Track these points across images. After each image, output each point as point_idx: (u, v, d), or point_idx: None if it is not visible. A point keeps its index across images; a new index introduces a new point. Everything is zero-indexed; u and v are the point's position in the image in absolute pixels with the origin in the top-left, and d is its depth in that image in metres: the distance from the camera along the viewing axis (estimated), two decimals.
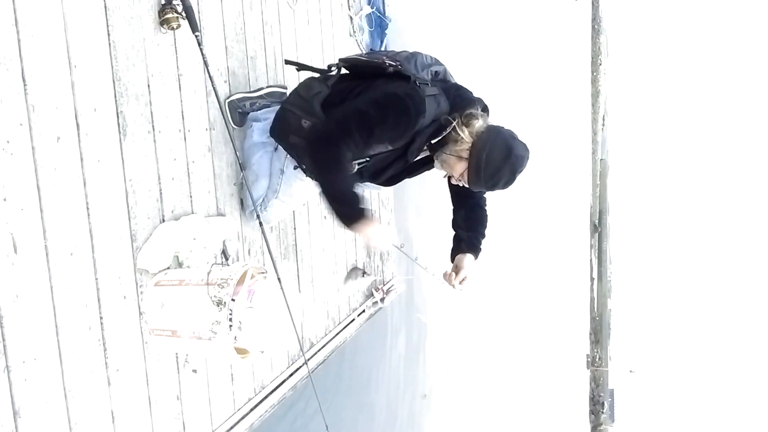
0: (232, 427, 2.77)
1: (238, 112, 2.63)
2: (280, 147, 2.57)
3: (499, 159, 2.21)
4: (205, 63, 2.28)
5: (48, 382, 1.86)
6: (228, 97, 2.61)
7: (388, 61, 2.30)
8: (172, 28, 2.27)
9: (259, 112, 2.60)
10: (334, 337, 3.75)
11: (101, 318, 2.04)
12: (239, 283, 2.12)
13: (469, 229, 2.61)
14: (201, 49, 2.26)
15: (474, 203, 2.64)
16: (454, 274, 2.53)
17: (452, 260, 2.59)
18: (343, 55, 2.56)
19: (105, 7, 2.03)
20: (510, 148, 2.22)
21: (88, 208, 1.98)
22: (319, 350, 3.59)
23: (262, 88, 2.73)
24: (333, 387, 5.00)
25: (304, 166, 2.52)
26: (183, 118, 2.39)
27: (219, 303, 2.08)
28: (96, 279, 2.02)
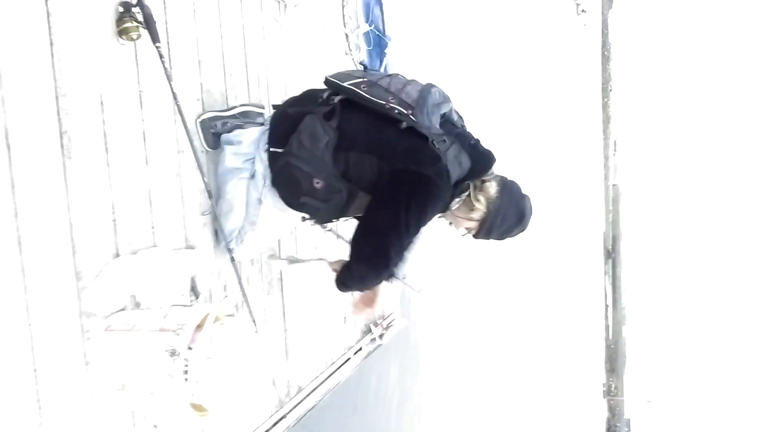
0: None
1: (212, 133, 2.35)
2: (257, 173, 2.28)
3: (511, 223, 2.22)
4: (168, 77, 2.02)
5: None
6: (199, 117, 2.34)
7: (396, 107, 2.05)
8: (132, 39, 2.02)
9: (231, 134, 2.32)
10: (326, 379, 3.43)
11: (35, 370, 1.75)
12: (198, 330, 1.84)
13: None
14: (163, 62, 2.00)
15: None
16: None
17: None
18: (331, 74, 2.26)
19: (47, 13, 1.78)
20: (522, 213, 2.23)
21: (19, 243, 1.70)
22: (309, 395, 3.27)
23: (235, 107, 2.46)
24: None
25: (315, 221, 2.36)
26: (144, 139, 2.13)
27: (173, 353, 1.78)
28: (29, 324, 1.73)
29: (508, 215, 2.19)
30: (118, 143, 2.01)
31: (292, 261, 2.91)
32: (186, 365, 1.77)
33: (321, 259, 2.53)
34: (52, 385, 1.80)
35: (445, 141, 2.05)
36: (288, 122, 2.19)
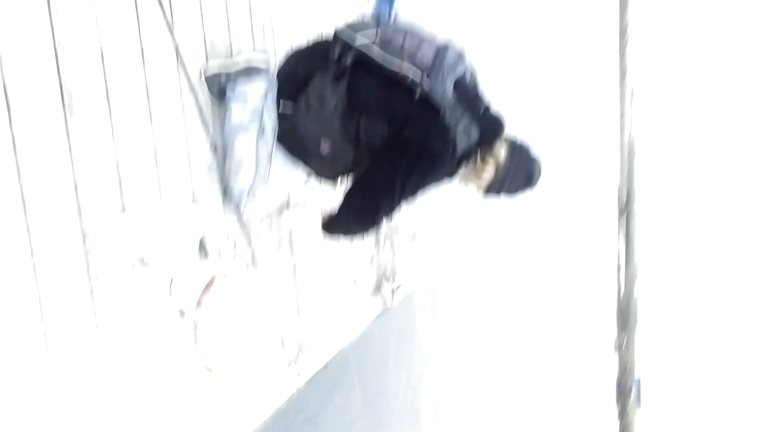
0: None
1: (216, 87, 2.28)
2: (266, 129, 2.21)
3: (519, 185, 2.24)
4: (170, 30, 1.95)
5: None
6: (203, 70, 2.26)
7: (408, 75, 1.99)
8: None
9: (236, 89, 2.25)
10: (336, 339, 3.43)
11: (44, 333, 1.72)
12: (206, 290, 1.80)
13: None
14: (164, 14, 1.93)
15: None
16: None
17: None
18: (342, 27, 2.15)
19: None
20: (531, 176, 2.24)
21: (24, 203, 1.65)
22: (318, 355, 3.26)
23: (238, 61, 2.36)
24: (335, 393, 4.71)
25: (320, 179, 2.32)
26: (148, 94, 2.06)
27: (182, 314, 1.76)
28: (37, 288, 1.70)
29: (516, 177, 2.20)
30: (120, 99, 1.94)
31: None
32: (195, 325, 1.74)
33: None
34: (63, 349, 1.78)
35: (456, 112, 2.01)
36: (296, 81, 2.12)
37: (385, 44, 2.03)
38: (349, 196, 2.17)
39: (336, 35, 2.12)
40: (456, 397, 11.59)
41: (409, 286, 4.29)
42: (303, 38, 2.87)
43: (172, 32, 1.93)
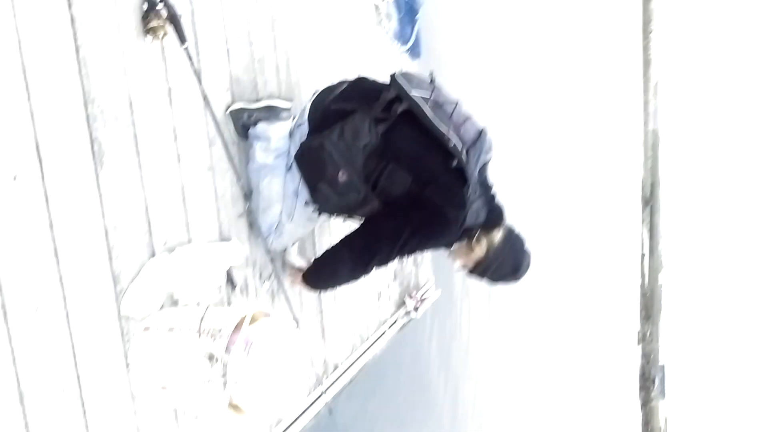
0: None
1: (240, 124, 2.32)
2: (294, 167, 2.25)
3: (505, 273, 2.31)
4: (198, 77, 1.98)
5: None
6: (228, 107, 2.30)
7: (453, 140, 2.02)
8: (158, 38, 1.97)
9: (258, 129, 2.28)
10: (361, 355, 3.47)
11: (78, 377, 1.79)
12: (236, 331, 1.85)
13: None
14: (191, 63, 1.96)
15: None
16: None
17: None
18: (400, 73, 2.14)
19: (71, 19, 1.74)
20: (518, 267, 2.30)
21: (56, 254, 1.71)
22: (345, 371, 3.31)
23: (260, 99, 2.41)
24: (362, 409, 4.75)
25: (320, 210, 2.30)
26: (176, 137, 2.11)
27: (211, 358, 1.80)
28: (70, 333, 1.76)
29: (504, 264, 2.29)
30: (148, 143, 1.99)
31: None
32: (224, 370, 1.79)
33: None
34: (95, 388, 1.84)
35: (476, 192, 2.09)
36: (334, 113, 2.15)
37: (436, 106, 2.06)
38: (351, 234, 2.22)
39: (394, 80, 2.11)
40: (486, 390, 11.62)
41: (433, 297, 4.31)
42: (326, 70, 2.91)
43: (200, 81, 1.97)
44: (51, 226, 1.70)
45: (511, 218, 2.36)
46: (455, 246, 2.30)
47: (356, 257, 2.22)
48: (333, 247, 2.31)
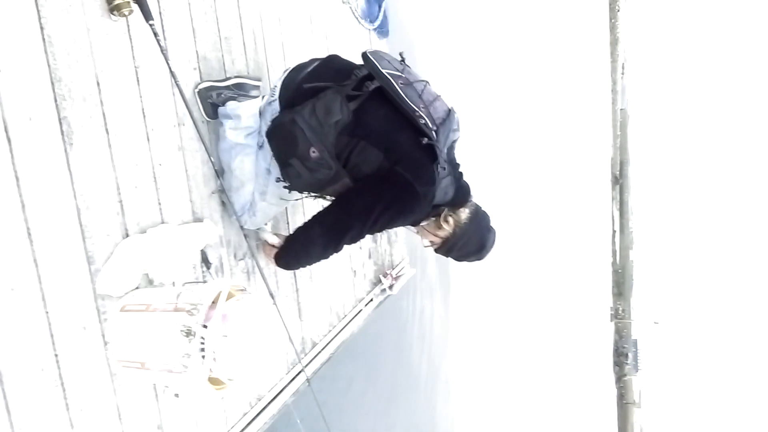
0: None
1: (209, 103, 2.32)
2: (265, 144, 2.25)
3: (470, 250, 2.36)
4: (164, 55, 1.98)
5: None
6: (197, 86, 2.30)
7: (424, 118, 2.04)
8: (124, 15, 1.97)
9: (228, 108, 2.29)
10: (339, 332, 3.51)
11: (56, 355, 1.80)
12: (212, 307, 1.87)
13: None
14: (158, 41, 1.95)
15: None
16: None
17: None
18: (370, 51, 2.14)
19: None
20: (483, 245, 2.35)
21: (29, 235, 1.71)
22: (323, 348, 3.35)
23: (229, 78, 2.41)
24: (342, 385, 4.80)
25: (291, 187, 2.29)
26: (144, 116, 2.10)
27: (188, 333, 1.82)
28: (46, 312, 1.77)
29: (470, 242, 2.32)
30: (117, 123, 1.99)
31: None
32: (202, 344, 1.81)
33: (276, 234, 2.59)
34: (74, 367, 1.85)
35: (445, 169, 2.10)
36: (306, 91, 2.15)
37: (407, 84, 2.07)
38: (324, 212, 2.22)
39: (366, 58, 2.12)
40: (464, 366, 11.77)
41: (408, 274, 4.36)
42: (294, 49, 2.91)
43: (167, 58, 1.96)
44: (23, 207, 1.70)
45: (481, 197, 2.40)
46: (424, 223, 2.33)
47: (328, 234, 2.22)
48: (305, 225, 2.31)
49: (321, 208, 2.28)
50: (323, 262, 2.36)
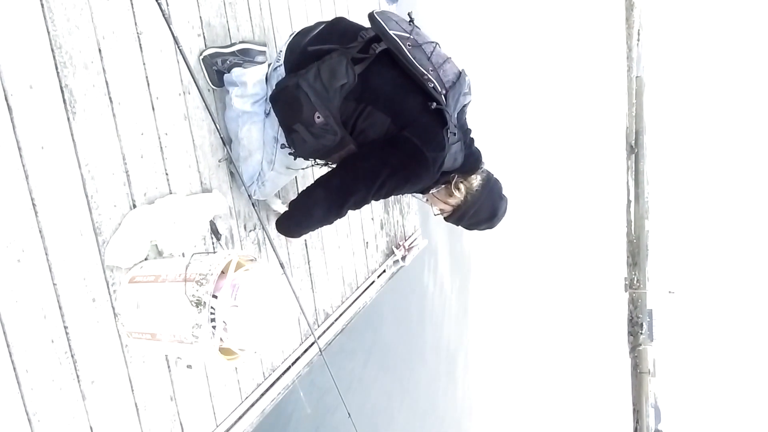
0: (240, 417, 2.55)
1: (215, 70, 2.27)
2: (272, 112, 2.20)
3: (482, 218, 2.29)
4: (167, 20, 1.92)
5: (5, 410, 1.62)
6: (201, 53, 2.25)
7: (433, 81, 1.98)
8: None
9: (233, 74, 2.23)
10: (352, 303, 3.49)
11: (66, 327, 1.78)
12: (222, 277, 1.84)
13: None
14: (160, 6, 1.89)
15: None
16: None
17: None
18: (378, 12, 2.07)
19: None
20: (495, 213, 2.28)
21: (34, 206, 1.68)
22: (336, 320, 3.33)
23: (234, 44, 2.35)
24: (355, 356, 4.79)
25: (296, 154, 2.22)
26: (148, 84, 2.06)
27: (198, 303, 1.79)
28: (54, 285, 1.74)
29: (481, 210, 2.25)
30: (121, 91, 1.95)
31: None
32: (212, 314, 1.79)
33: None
34: (84, 338, 1.84)
35: (455, 134, 2.04)
36: (310, 60, 2.08)
37: (415, 46, 1.99)
38: (329, 174, 2.16)
39: (373, 19, 2.05)
40: (480, 338, 11.80)
41: (421, 245, 4.33)
42: (301, 13, 2.84)
43: (169, 23, 1.90)
44: (26, 177, 1.66)
45: (494, 166, 2.34)
46: (433, 190, 2.26)
47: (332, 197, 2.16)
48: (308, 188, 2.24)
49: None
50: (329, 229, 2.31)
